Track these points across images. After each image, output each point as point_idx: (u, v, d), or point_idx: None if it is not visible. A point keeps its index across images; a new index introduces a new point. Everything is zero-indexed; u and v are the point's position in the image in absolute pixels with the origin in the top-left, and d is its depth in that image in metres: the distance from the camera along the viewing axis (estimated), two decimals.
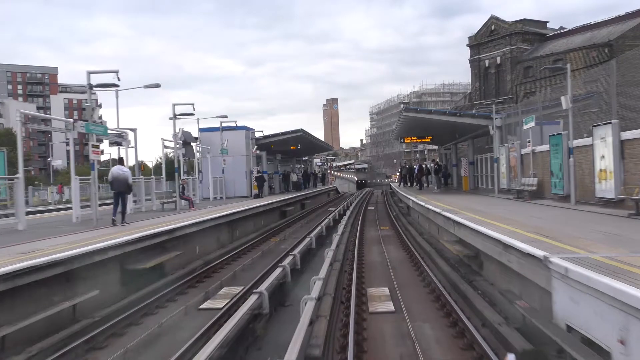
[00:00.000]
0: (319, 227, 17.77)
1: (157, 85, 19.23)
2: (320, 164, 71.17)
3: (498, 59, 43.27)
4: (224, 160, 25.11)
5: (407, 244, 15.25)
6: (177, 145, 26.10)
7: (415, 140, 30.58)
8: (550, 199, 15.84)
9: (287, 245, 16.64)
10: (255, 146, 30.06)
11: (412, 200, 21.78)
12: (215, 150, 29.69)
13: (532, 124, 17.70)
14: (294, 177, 39.53)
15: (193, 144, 29.05)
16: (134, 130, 18.98)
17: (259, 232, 20.70)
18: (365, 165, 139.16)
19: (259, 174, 29.61)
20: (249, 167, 30.39)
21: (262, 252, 14.77)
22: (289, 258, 10.91)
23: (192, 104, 18.26)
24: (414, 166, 33.96)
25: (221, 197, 29.48)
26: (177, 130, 19.06)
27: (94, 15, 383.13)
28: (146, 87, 19.34)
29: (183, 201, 20.49)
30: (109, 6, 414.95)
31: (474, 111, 37.51)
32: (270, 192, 36.28)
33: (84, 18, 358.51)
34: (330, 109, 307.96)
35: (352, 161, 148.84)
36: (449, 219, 11.87)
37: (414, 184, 35.45)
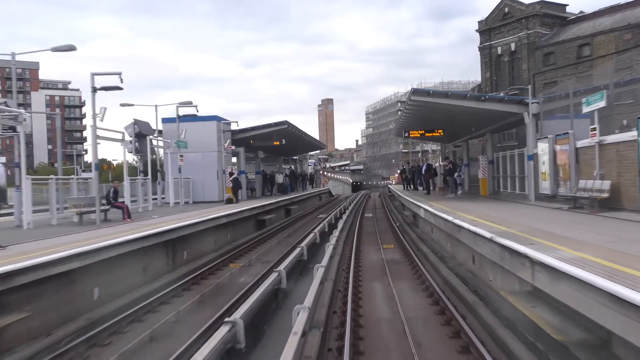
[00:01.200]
0: (298, 249, 12.53)
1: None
2: (312, 164, 65.91)
3: (512, 45, 38.30)
4: (181, 156, 19.78)
5: (429, 282, 9.97)
6: (130, 138, 20.97)
7: (422, 135, 25.48)
8: (636, 210, 10.69)
9: (250, 277, 11.39)
10: (229, 140, 24.74)
11: (424, 209, 16.57)
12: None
13: (600, 104, 12.48)
14: (279, 179, 34.24)
15: (153, 138, 23.75)
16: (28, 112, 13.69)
17: (220, 251, 15.43)
18: (361, 167, 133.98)
19: (233, 175, 24.34)
20: (221, 166, 25.07)
21: (202, 297, 9.46)
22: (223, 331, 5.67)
23: (119, 74, 12.77)
24: (420, 166, 28.96)
25: (187, 202, 24.17)
26: (99, 109, 13.68)
27: (90, 16, 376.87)
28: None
29: (117, 210, 15.19)
30: (105, 6, 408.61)
31: (502, 94, 32.42)
32: (250, 196, 31.05)
33: (79, 18, 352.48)
34: (325, 109, 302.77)
35: (347, 162, 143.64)
36: (518, 254, 6.61)
37: (420, 186, 30.27)
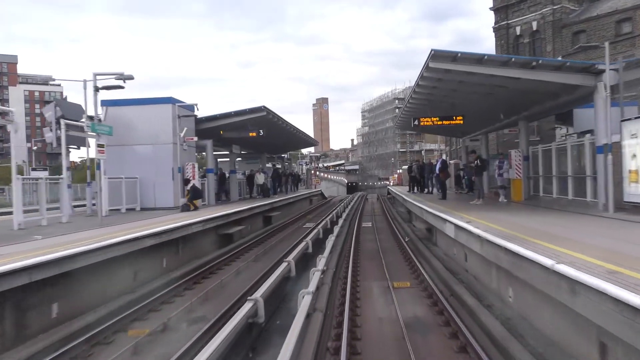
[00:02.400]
0: (252, 305, 6.98)
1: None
2: (305, 163, 60.30)
3: (534, 24, 32.99)
4: (101, 147, 14.05)
5: None
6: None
7: (435, 124, 19.97)
8: None
9: None
10: (185, 129, 19.02)
11: (454, 225, 11.06)
12: (122, 134, 18.84)
13: None
14: (259, 179, 28.61)
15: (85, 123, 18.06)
16: None
17: (136, 294, 9.79)
18: (357, 167, 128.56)
19: (190, 184, 18.76)
20: (177, 163, 19.43)
21: None
22: None
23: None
24: (433, 162, 23.40)
25: (132, 209, 18.58)
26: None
27: (86, 15, 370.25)
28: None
29: None
30: (100, 6, 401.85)
31: (559, 58, 26.79)
32: (225, 200, 25.48)
33: (75, 17, 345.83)
34: (320, 108, 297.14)
35: (342, 161, 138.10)
36: None
37: (429, 188, 24.75)
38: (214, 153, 35.71)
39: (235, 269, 12.26)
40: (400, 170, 56.59)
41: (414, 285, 10.11)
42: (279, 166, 43.53)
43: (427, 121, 19.71)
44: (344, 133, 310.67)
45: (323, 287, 9.19)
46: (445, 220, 12.11)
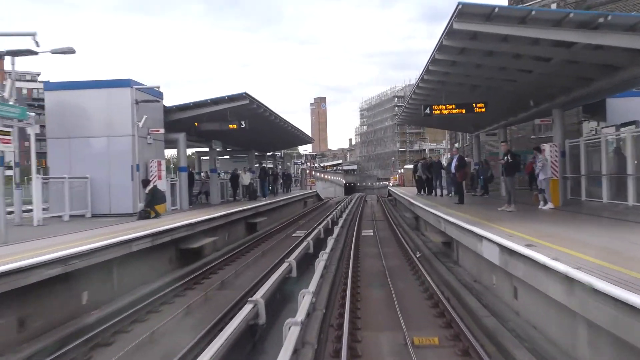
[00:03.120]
0: None
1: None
2: (300, 163, 56.83)
3: (554, 5, 29.57)
4: (5, 134, 10.47)
5: None
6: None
7: (452, 112, 16.49)
8: None
9: None
10: (145, 117, 15.45)
11: (537, 263, 7.60)
12: (70, 124, 15.42)
13: None
14: (245, 179, 25.11)
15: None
16: None
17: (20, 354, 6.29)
18: (355, 167, 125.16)
19: (149, 186, 15.19)
20: (137, 160, 15.92)
21: None
22: None
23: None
24: (451, 158, 19.96)
25: (81, 216, 15.13)
26: None
27: (82, 14, 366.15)
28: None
29: None
30: (98, 5, 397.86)
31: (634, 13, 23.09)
32: (205, 203, 22.06)
33: (70, 16, 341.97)
34: (318, 108, 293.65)
35: (340, 161, 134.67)
36: None
37: (441, 191, 21.37)
38: (198, 150, 32.37)
39: (182, 308, 8.72)
40: (402, 170, 53.08)
41: (446, 342, 6.62)
42: (270, 165, 40.08)
43: (441, 109, 16.25)
44: (341, 134, 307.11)
45: (305, 351, 5.74)
46: (480, 237, 8.65)
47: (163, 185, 17.09)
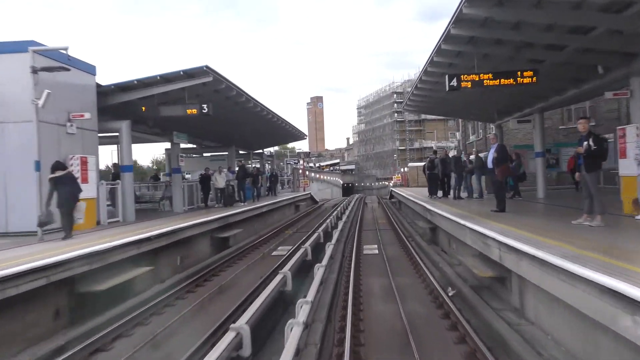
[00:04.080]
0: None
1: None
2: (293, 162, 52.12)
3: None
4: None
5: None
6: None
7: (489, 83, 11.99)
8: None
9: None
10: (46, 93, 10.71)
11: None
12: None
13: None
14: (219, 182, 20.48)
15: None
16: None
17: None
18: (353, 167, 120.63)
19: (63, 173, 10.37)
20: (41, 155, 11.20)
21: None
22: None
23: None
24: (460, 157, 15.71)
25: None
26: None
27: (79, 15, 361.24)
28: None
29: None
30: (94, 5, 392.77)
31: None
32: (167, 210, 17.49)
33: (68, 17, 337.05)
34: (315, 107, 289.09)
35: (337, 160, 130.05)
36: None
37: (458, 192, 16.86)
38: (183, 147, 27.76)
39: None
40: (406, 169, 48.45)
41: None
42: (256, 164, 35.43)
43: (472, 80, 11.65)
44: (339, 134, 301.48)
45: None
46: (602, 288, 4.03)
47: (91, 190, 12.44)
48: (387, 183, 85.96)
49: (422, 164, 28.49)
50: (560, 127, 26.38)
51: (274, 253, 14.88)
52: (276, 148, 54.78)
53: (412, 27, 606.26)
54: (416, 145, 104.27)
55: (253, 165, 33.08)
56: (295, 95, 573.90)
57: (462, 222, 9.96)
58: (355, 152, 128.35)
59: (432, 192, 19.39)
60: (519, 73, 11.39)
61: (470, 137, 27.65)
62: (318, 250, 13.90)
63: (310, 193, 40.00)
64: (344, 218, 22.01)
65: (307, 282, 8.84)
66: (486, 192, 17.72)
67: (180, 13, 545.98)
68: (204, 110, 14.50)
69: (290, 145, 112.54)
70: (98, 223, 13.24)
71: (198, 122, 20.78)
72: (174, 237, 11.76)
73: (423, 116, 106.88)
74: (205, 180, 20.57)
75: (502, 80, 11.31)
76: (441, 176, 18.49)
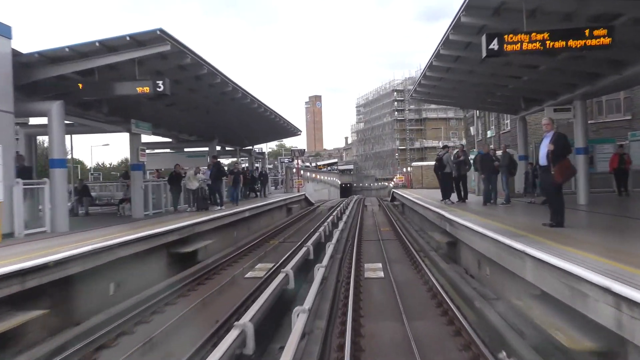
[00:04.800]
0: None
1: None
2: (287, 160, 48.77)
3: None
4: None
5: None
6: None
7: (548, 43, 8.83)
8: None
9: None
10: None
11: None
12: None
13: None
14: (191, 182, 17.12)
15: None
16: None
17: None
18: (351, 166, 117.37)
19: None
20: None
21: None
22: None
23: None
24: (489, 154, 12.64)
25: None
26: None
27: (77, 13, 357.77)
28: None
29: None
30: (94, 6, 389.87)
31: None
32: (128, 215, 14.14)
33: (66, 17, 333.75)
34: (313, 106, 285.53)
35: (335, 160, 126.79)
36: None
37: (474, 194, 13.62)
38: (167, 140, 24.40)
39: None
40: (409, 169, 45.10)
41: None
42: (247, 162, 32.11)
43: (522, 42, 8.32)
44: (338, 135, 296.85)
45: None
46: None
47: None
48: (386, 184, 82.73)
49: (432, 163, 25.12)
50: (590, 121, 23.09)
51: (249, 274, 11.52)
52: (274, 147, 51.30)
53: (412, 28, 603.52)
54: (417, 145, 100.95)
55: (244, 165, 29.82)
56: (294, 95, 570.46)
57: (518, 246, 6.61)
58: (354, 152, 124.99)
59: (446, 196, 16.05)
60: (587, 33, 8.08)
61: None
62: (306, 268, 10.63)
63: (304, 194, 36.63)
64: (341, 225, 18.65)
65: (282, 336, 5.52)
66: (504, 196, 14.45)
67: (180, 11, 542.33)
68: (158, 89, 11.15)
69: (288, 144, 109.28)
70: (9, 235, 9.87)
71: (173, 113, 17.59)
72: (100, 258, 8.39)
73: (424, 115, 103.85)
74: (174, 180, 17.19)
75: (569, 41, 7.98)
76: (456, 177, 15.21)
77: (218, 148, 29.45)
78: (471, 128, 26.39)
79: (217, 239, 14.79)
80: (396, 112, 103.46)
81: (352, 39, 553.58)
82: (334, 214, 23.68)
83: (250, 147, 32.26)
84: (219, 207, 17.38)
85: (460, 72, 14.82)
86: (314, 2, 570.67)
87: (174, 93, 14.49)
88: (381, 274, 11.05)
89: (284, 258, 12.92)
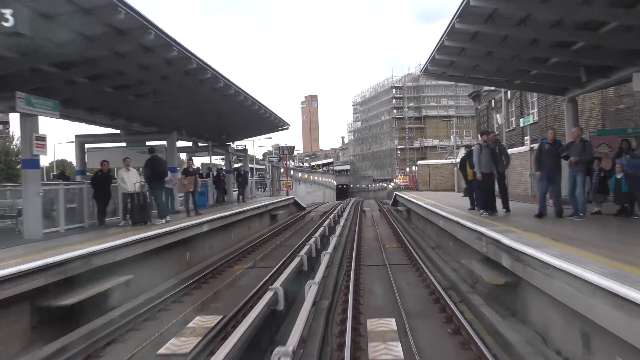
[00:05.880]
0: None
1: None
2: (277, 159, 43.98)
3: None
4: None
5: None
6: None
7: None
8: None
9: None
10: None
11: None
12: None
13: None
14: (127, 183, 12.28)
15: None
16: None
17: None
18: (348, 167, 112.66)
19: None
20: None
21: None
22: None
23: None
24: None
25: None
26: None
27: None
28: None
29: None
30: None
31: None
32: (17, 232, 9.23)
33: None
34: (309, 106, 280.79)
35: (331, 160, 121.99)
36: None
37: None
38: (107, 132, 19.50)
39: None
40: (415, 169, 40.30)
41: None
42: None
43: None
44: (334, 136, 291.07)
45: None
46: None
47: None
48: (385, 185, 78.01)
49: (443, 161, 20.37)
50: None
51: (166, 348, 6.69)
52: (270, 147, 46.17)
53: (408, 29, 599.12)
54: (416, 144, 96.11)
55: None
56: (290, 96, 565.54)
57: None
58: (351, 152, 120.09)
59: (483, 205, 11.29)
60: None
61: (520, 122, 19.52)
62: (275, 319, 5.97)
63: (293, 197, 31.81)
64: (333, 241, 13.83)
65: None
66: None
67: (176, 11, 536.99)
68: (4, 23, 6.35)
69: (283, 142, 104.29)
70: None
71: (121, 97, 12.95)
72: None
73: (424, 113, 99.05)
74: (101, 181, 12.34)
75: None
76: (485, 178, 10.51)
77: (188, 144, 24.75)
78: (497, 116, 21.64)
79: (150, 269, 10.01)
80: (395, 110, 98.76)
81: (349, 39, 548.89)
82: (327, 223, 18.83)
83: (229, 144, 27.44)
84: (163, 221, 12.57)
85: (491, 40, 10.70)
86: (310, 3, 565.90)
87: (117, 72, 10.12)
88: (398, 350, 6.25)
89: (240, 305, 8.21)
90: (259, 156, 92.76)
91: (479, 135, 13.26)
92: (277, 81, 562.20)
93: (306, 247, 12.18)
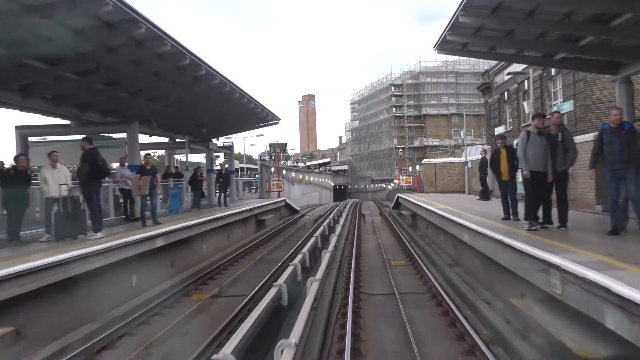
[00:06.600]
0: None
1: None
2: (269, 157, 40.86)
3: None
4: None
5: None
6: None
7: None
8: None
9: None
10: None
11: None
12: None
13: None
14: (50, 185, 9.13)
15: None
16: None
17: None
18: (345, 167, 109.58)
19: None
20: None
21: None
22: None
23: None
24: None
25: None
26: None
27: None
28: None
29: None
30: None
31: None
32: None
33: None
34: (307, 106, 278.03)
35: (328, 159, 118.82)
36: None
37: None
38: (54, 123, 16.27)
39: None
40: (419, 168, 37.20)
41: None
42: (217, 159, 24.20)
43: None
44: (331, 137, 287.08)
45: None
46: None
47: None
48: (384, 185, 74.96)
49: (452, 160, 17.23)
50: None
51: None
52: (264, 145, 42.65)
53: (407, 29, 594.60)
54: (416, 143, 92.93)
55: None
56: (288, 96, 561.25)
57: None
58: (349, 152, 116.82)
59: (529, 215, 8.19)
60: None
61: (554, 108, 16.39)
62: None
63: (285, 200, 28.69)
64: (326, 257, 10.71)
65: None
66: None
67: (175, 11, 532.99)
68: None
69: (280, 142, 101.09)
70: None
71: (68, 80, 10.00)
72: None
73: (424, 111, 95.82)
74: (13, 181, 9.21)
75: None
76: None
77: (164, 139, 21.61)
78: (524, 103, 18.54)
79: (59, 308, 6.91)
80: (394, 109, 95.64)
81: (347, 40, 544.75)
82: (320, 230, 15.69)
83: (211, 140, 24.32)
84: (98, 235, 9.46)
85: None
86: (309, 2, 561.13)
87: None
88: None
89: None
90: (256, 156, 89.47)
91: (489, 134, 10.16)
92: (274, 81, 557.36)
93: (289, 269, 9.18)
